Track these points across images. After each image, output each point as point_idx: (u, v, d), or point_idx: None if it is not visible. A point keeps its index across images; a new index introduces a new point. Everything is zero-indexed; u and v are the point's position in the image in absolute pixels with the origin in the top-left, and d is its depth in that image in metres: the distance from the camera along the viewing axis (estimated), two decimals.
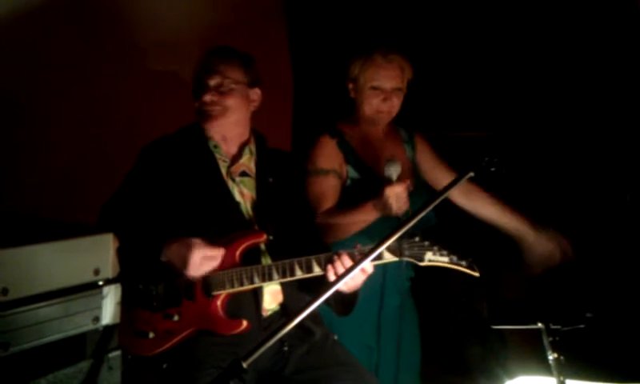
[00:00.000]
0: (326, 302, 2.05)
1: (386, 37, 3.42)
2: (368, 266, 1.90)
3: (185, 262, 1.90)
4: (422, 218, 2.39)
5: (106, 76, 2.61)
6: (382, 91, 2.43)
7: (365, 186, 2.34)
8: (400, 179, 2.19)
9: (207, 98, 2.08)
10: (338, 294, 1.96)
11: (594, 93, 3.16)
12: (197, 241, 1.91)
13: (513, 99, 3.34)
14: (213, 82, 2.09)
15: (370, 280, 1.96)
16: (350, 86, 2.52)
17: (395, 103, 2.45)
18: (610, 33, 3.09)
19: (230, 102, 2.10)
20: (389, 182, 2.18)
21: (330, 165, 2.44)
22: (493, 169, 1.74)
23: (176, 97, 2.89)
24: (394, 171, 2.20)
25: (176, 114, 2.60)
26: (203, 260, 1.91)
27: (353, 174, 2.45)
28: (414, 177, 2.52)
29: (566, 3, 3.18)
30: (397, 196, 2.16)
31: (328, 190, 2.42)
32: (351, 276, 1.85)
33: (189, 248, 1.89)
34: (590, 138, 3.18)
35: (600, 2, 3.12)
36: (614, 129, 3.13)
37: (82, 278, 1.40)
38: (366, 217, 2.31)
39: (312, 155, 2.47)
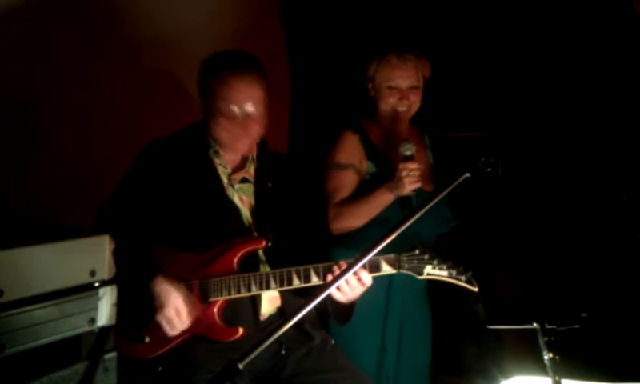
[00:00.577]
0: (325, 311, 2.06)
1: (384, 38, 3.42)
2: (367, 278, 1.90)
3: (159, 305, 1.88)
4: (441, 221, 2.45)
5: (105, 76, 2.60)
6: (398, 90, 2.47)
7: (383, 181, 2.36)
8: (414, 157, 2.24)
9: (253, 125, 2.03)
10: (336, 303, 1.96)
11: (591, 94, 3.16)
12: (175, 295, 1.88)
13: (511, 99, 3.34)
14: (253, 109, 2.02)
15: (376, 282, 1.97)
16: (370, 85, 2.56)
17: (413, 100, 2.49)
18: (606, 34, 3.10)
19: (257, 129, 2.06)
20: (403, 160, 2.24)
21: (350, 160, 2.48)
22: (489, 169, 1.75)
23: (174, 97, 2.90)
24: (407, 149, 2.25)
25: (175, 114, 2.60)
26: (176, 316, 1.88)
27: (372, 169, 2.49)
28: (435, 183, 2.55)
29: (564, 4, 3.18)
30: (409, 172, 2.21)
31: (345, 184, 2.45)
32: (346, 277, 1.85)
33: (166, 299, 1.87)
34: (587, 139, 3.18)
35: (597, 3, 3.13)
36: (611, 130, 3.13)
37: (77, 279, 1.40)
38: (379, 200, 2.32)
39: (333, 150, 2.51)
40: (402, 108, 2.48)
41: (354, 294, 1.92)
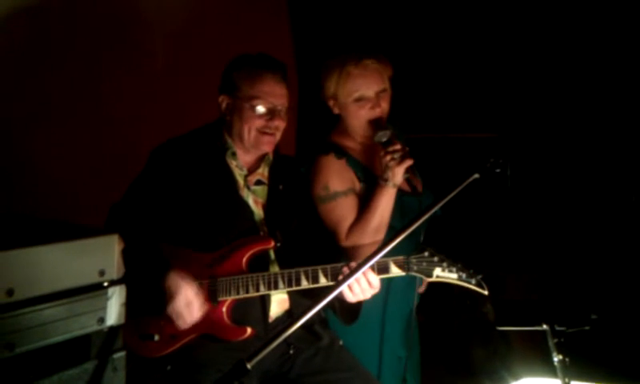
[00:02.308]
0: (332, 310, 2.06)
1: (391, 37, 3.42)
2: (374, 279, 1.89)
3: (170, 300, 1.89)
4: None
5: (116, 77, 2.61)
6: (367, 100, 2.27)
7: None
8: (392, 141, 2.15)
9: (280, 123, 2.06)
10: (343, 303, 1.96)
11: (600, 94, 3.15)
12: (187, 289, 1.89)
13: (519, 101, 3.33)
14: (281, 107, 2.07)
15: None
16: (331, 103, 2.35)
17: (384, 106, 2.29)
18: (617, 34, 3.08)
19: (282, 127, 2.10)
20: (383, 148, 2.14)
21: (346, 185, 2.27)
22: (498, 170, 1.75)
23: (184, 98, 2.91)
24: (383, 136, 2.16)
25: (185, 114, 2.61)
26: (186, 308, 1.89)
27: (368, 190, 2.28)
28: (420, 177, 2.49)
29: (573, 4, 3.17)
30: (393, 155, 2.11)
31: (349, 210, 2.25)
32: (356, 278, 1.85)
33: (177, 290, 1.88)
34: (596, 140, 3.17)
35: (605, 4, 3.11)
36: (620, 130, 3.12)
37: (87, 278, 1.41)
38: (383, 201, 2.16)
39: (321, 180, 2.28)
40: (374, 117, 2.27)
41: (364, 295, 1.91)
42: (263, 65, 2.07)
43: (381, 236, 2.21)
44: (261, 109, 2.04)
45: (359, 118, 2.30)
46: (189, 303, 1.89)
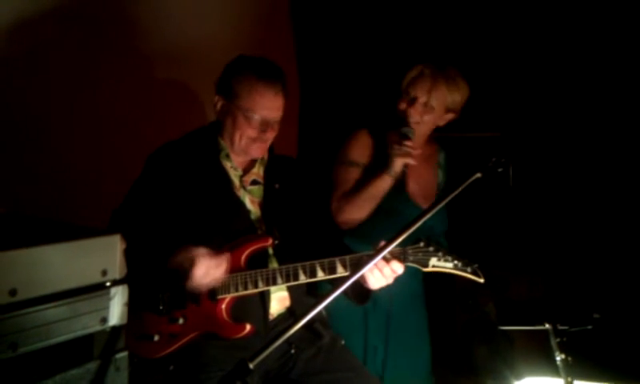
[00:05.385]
0: (344, 293, 2.05)
1: (394, 39, 3.42)
2: (398, 267, 1.89)
3: (189, 274, 1.88)
4: (433, 234, 2.43)
5: (117, 83, 2.62)
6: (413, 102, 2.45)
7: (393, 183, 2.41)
8: (408, 137, 2.35)
9: (272, 134, 2.09)
10: (358, 286, 1.96)
11: (604, 93, 3.14)
12: (201, 252, 1.88)
13: (522, 99, 3.33)
14: (274, 119, 2.08)
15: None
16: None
17: (424, 117, 2.45)
18: (620, 32, 3.08)
19: (274, 136, 2.12)
20: (399, 138, 2.35)
21: (359, 158, 2.50)
22: (500, 169, 1.74)
23: (183, 102, 2.92)
24: (407, 131, 2.37)
25: (184, 118, 2.62)
26: (207, 270, 1.88)
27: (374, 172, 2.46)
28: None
29: (576, 4, 3.17)
30: (400, 148, 2.31)
31: (350, 180, 2.47)
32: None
33: (192, 260, 1.87)
34: (598, 139, 3.16)
35: (608, 3, 3.11)
36: (623, 130, 3.11)
37: (89, 278, 1.41)
38: (377, 186, 2.35)
39: (346, 145, 2.54)
40: (411, 119, 2.46)
41: (386, 280, 1.90)
42: (264, 75, 2.05)
43: (363, 214, 2.40)
44: (255, 120, 2.05)
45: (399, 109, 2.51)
46: (209, 263, 1.88)
